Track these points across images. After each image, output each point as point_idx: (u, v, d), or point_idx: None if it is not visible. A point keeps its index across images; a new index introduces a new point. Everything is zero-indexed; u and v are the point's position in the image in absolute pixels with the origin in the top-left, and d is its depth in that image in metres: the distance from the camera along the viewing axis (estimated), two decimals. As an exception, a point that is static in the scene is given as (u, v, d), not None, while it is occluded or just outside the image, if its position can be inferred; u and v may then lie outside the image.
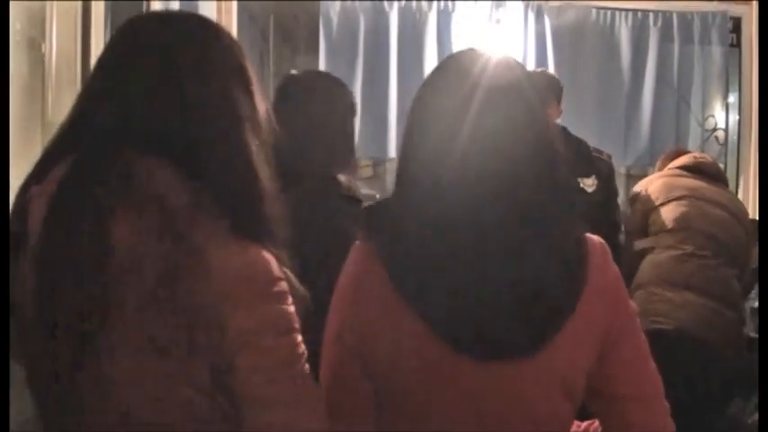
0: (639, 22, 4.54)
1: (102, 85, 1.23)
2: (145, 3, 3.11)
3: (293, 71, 2.25)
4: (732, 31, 4.68)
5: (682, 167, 3.27)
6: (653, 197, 3.16)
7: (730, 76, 4.74)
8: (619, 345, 1.34)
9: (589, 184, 3.10)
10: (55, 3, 1.76)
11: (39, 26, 1.68)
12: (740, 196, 4.64)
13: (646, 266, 3.03)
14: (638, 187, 3.30)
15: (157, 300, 1.13)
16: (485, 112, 1.28)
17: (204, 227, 1.15)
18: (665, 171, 3.33)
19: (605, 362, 1.33)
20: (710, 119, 4.71)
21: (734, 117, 4.86)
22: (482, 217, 1.25)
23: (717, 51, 4.63)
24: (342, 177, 2.07)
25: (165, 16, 1.33)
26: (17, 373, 1.26)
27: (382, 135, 4.32)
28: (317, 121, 2.04)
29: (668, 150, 3.68)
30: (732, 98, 4.88)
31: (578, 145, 3.25)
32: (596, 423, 1.45)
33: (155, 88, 1.19)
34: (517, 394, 1.29)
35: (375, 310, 1.29)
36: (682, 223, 3.02)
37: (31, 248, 1.16)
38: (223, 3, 4.16)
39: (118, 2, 2.36)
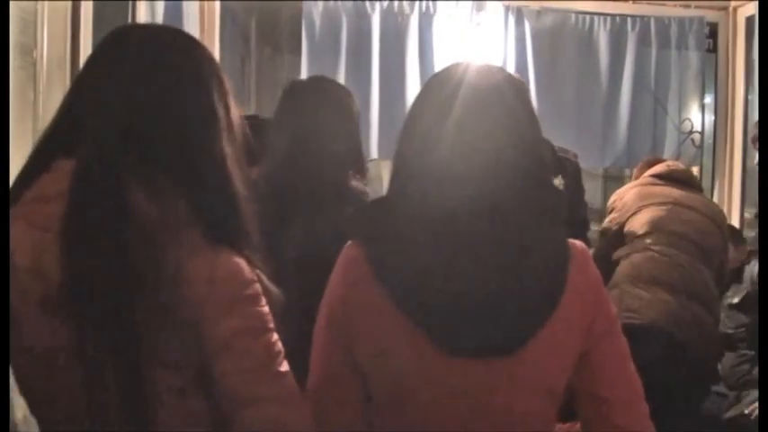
0: (618, 27, 4.59)
1: (85, 95, 1.26)
2: (130, 3, 3.12)
3: (298, 78, 2.29)
4: (708, 37, 4.74)
5: (655, 176, 3.33)
6: (627, 207, 3.23)
7: (706, 81, 4.81)
8: (599, 347, 1.37)
9: (556, 184, 3.09)
10: (46, 9, 1.78)
11: (30, 32, 1.71)
12: (716, 197, 4.72)
13: (621, 268, 3.09)
14: (614, 197, 3.37)
15: (135, 309, 1.16)
16: (466, 118, 1.33)
17: (177, 235, 1.19)
18: (640, 180, 3.40)
19: (586, 363, 1.36)
20: (687, 122, 4.77)
21: (710, 120, 4.93)
22: (463, 219, 1.29)
23: (693, 56, 4.69)
24: (355, 184, 2.09)
25: (148, 29, 1.38)
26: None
27: (365, 135, 4.33)
28: (330, 129, 2.07)
29: (644, 159, 3.75)
30: (708, 101, 4.94)
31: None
32: (578, 425, 1.47)
33: (135, 98, 1.23)
34: (497, 392, 1.31)
35: (361, 307, 1.33)
36: (654, 226, 3.09)
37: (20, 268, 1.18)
38: (206, 3, 4.17)
39: (104, 2, 2.38)
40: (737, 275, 3.75)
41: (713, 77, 4.82)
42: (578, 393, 1.39)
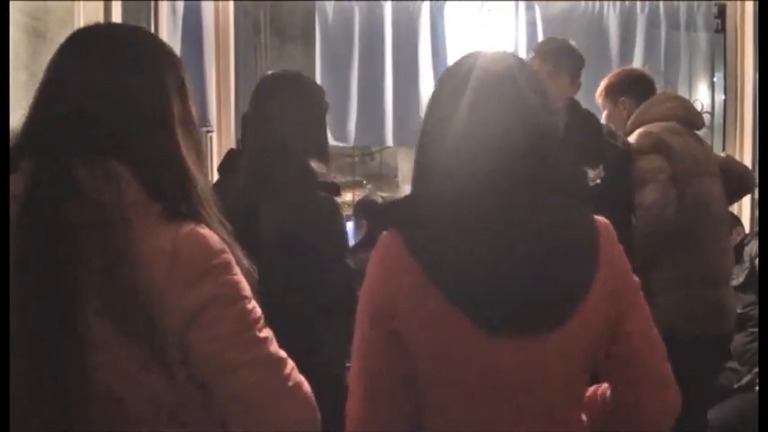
0: (627, 10, 4.64)
1: (51, 91, 1.29)
2: (152, 2, 3.18)
3: (271, 71, 2.45)
4: (717, 17, 4.78)
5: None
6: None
7: (715, 61, 4.85)
8: (628, 314, 1.43)
9: (593, 176, 2.81)
10: (82, 10, 1.86)
11: (68, 32, 1.78)
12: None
13: None
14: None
15: (101, 288, 1.19)
16: (480, 103, 1.38)
17: (131, 215, 1.22)
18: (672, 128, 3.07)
19: (616, 331, 1.41)
20: (697, 102, 4.80)
21: (719, 100, 4.96)
22: (495, 202, 1.34)
23: (702, 37, 4.74)
24: (316, 165, 2.23)
25: (113, 27, 1.41)
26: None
27: (379, 123, 4.41)
28: (290, 118, 2.23)
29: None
30: (717, 82, 4.97)
31: (587, 124, 2.98)
32: (604, 386, 1.52)
33: (98, 90, 1.27)
34: (539, 369, 1.36)
35: (408, 295, 1.36)
36: None
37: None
38: (220, 2, 4.24)
39: (128, 1, 2.45)
40: (738, 256, 3.79)
41: (722, 58, 4.85)
42: (608, 358, 1.44)
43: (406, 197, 1.48)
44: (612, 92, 3.27)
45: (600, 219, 1.44)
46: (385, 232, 1.44)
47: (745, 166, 3.63)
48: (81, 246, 1.19)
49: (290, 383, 1.31)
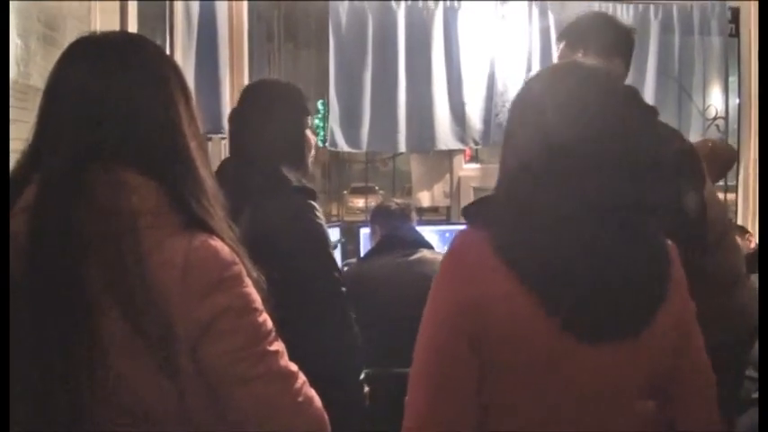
0: (640, 15, 4.62)
1: (57, 100, 1.29)
2: (168, 3, 3.20)
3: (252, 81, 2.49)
4: (731, 22, 4.76)
5: None
6: None
7: (730, 66, 4.83)
8: (686, 335, 1.47)
9: None
10: (98, 10, 1.87)
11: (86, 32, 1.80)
12: (740, 182, 4.75)
13: None
14: None
15: (115, 298, 1.19)
16: (577, 111, 1.38)
17: (143, 225, 1.21)
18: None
19: (678, 351, 1.45)
20: (711, 107, 4.79)
21: (734, 105, 4.94)
22: (586, 208, 1.35)
23: (716, 42, 4.72)
24: (290, 172, 2.21)
25: (114, 36, 1.41)
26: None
27: (392, 130, 4.41)
28: (272, 125, 2.24)
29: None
30: (732, 86, 4.95)
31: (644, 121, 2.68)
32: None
33: (106, 98, 1.26)
34: (617, 375, 1.39)
35: (491, 293, 1.35)
36: None
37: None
38: (234, 3, 4.26)
39: (142, 1, 2.46)
40: (753, 264, 3.77)
41: (736, 62, 4.84)
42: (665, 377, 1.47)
43: (492, 197, 1.45)
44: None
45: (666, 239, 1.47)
46: (463, 230, 1.44)
47: (731, 148, 3.55)
48: (94, 255, 1.19)
49: (301, 398, 1.32)
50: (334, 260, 2.27)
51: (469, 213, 1.45)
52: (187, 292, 1.22)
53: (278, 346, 1.32)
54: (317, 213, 2.21)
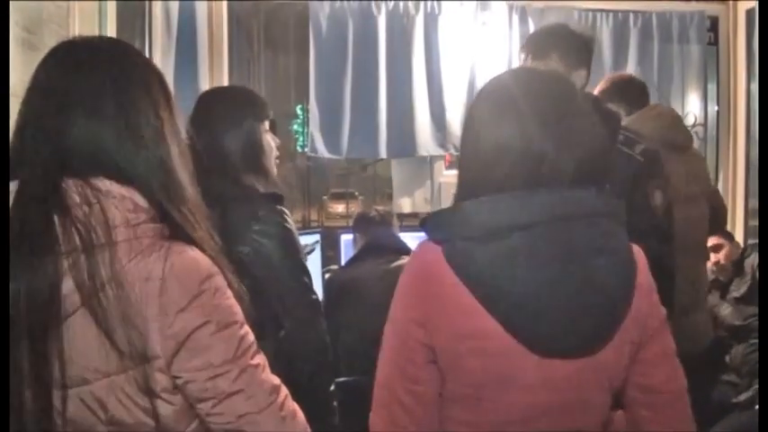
0: (620, 23, 4.65)
1: (36, 105, 1.26)
2: (147, 3, 3.17)
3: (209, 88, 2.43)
4: (709, 30, 4.80)
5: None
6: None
7: (708, 74, 4.86)
8: (652, 342, 1.44)
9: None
10: (77, 14, 1.85)
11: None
12: (720, 189, 4.78)
13: None
14: None
15: (91, 311, 1.17)
16: (528, 121, 1.36)
17: (126, 235, 1.19)
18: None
19: (640, 358, 1.43)
20: (690, 115, 4.82)
21: (712, 112, 4.98)
22: (547, 218, 1.32)
23: (695, 50, 4.76)
24: (254, 178, 2.20)
25: (97, 41, 1.38)
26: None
27: (372, 136, 4.40)
28: (225, 132, 2.20)
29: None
30: (710, 94, 4.98)
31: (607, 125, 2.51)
32: (620, 412, 1.52)
33: (86, 104, 1.24)
34: (575, 389, 1.37)
35: (446, 307, 1.34)
36: None
37: None
38: (214, 4, 4.23)
39: (121, 1, 2.43)
40: (739, 269, 3.80)
41: (715, 70, 4.87)
42: (629, 385, 1.46)
43: (450, 209, 1.42)
44: (605, 99, 3.12)
45: (633, 245, 1.43)
46: (421, 244, 1.42)
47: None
48: (70, 270, 1.16)
49: (284, 413, 1.31)
50: (304, 266, 2.24)
51: (426, 227, 1.42)
52: (165, 306, 1.19)
53: (259, 359, 1.30)
54: (287, 218, 2.18)
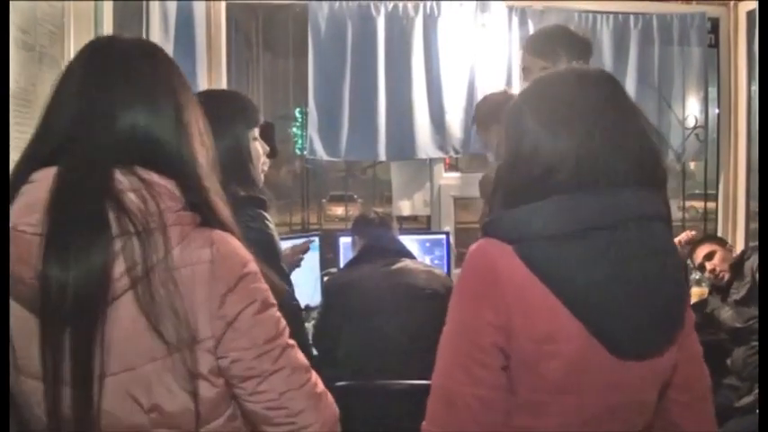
0: (620, 25, 4.63)
1: (65, 107, 1.29)
2: (144, 3, 3.15)
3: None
4: (710, 32, 4.79)
5: None
6: None
7: (709, 75, 4.84)
8: (687, 342, 1.47)
9: None
10: (72, 21, 1.84)
11: (59, 45, 1.76)
12: (721, 191, 4.77)
13: None
14: None
15: (141, 297, 1.20)
16: (582, 118, 1.36)
17: (168, 223, 1.23)
18: None
19: (677, 356, 1.45)
20: (691, 117, 4.80)
21: (713, 114, 4.96)
22: (617, 221, 1.33)
23: (696, 52, 4.73)
24: (238, 184, 2.15)
25: (125, 42, 1.40)
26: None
27: (372, 138, 4.37)
28: (213, 139, 2.16)
29: None
30: (711, 96, 4.97)
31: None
32: None
33: (145, 104, 1.29)
34: (639, 390, 1.40)
35: (526, 309, 1.33)
36: None
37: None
38: (212, 4, 4.22)
39: (118, 2, 2.42)
40: (738, 272, 3.79)
41: (716, 72, 4.86)
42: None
43: (519, 210, 1.39)
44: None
45: None
46: (485, 243, 1.40)
47: None
48: (121, 253, 1.18)
49: (318, 390, 1.36)
50: (284, 272, 2.22)
51: (493, 227, 1.40)
52: (214, 289, 1.25)
53: (292, 340, 1.35)
54: (267, 223, 2.16)
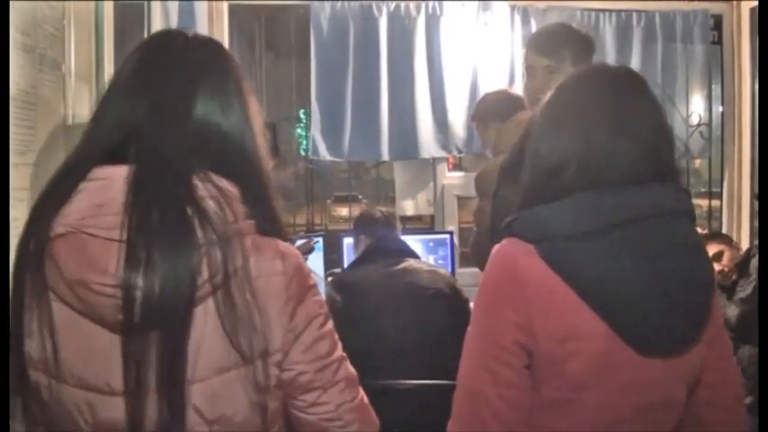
0: (623, 23, 4.61)
1: (131, 101, 1.23)
2: (146, 3, 3.15)
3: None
4: (713, 29, 4.77)
5: None
6: None
7: (712, 73, 4.82)
8: (716, 341, 1.45)
9: None
10: (72, 23, 1.83)
11: (59, 46, 1.76)
12: (725, 189, 4.75)
13: None
14: None
15: (220, 306, 1.16)
16: (603, 116, 1.37)
17: (242, 232, 1.20)
18: None
19: (705, 356, 1.43)
20: (694, 114, 4.79)
21: (717, 112, 4.95)
22: (639, 217, 1.32)
23: (699, 49, 4.72)
24: None
25: (190, 37, 1.34)
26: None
27: (374, 138, 4.37)
28: None
29: None
30: (715, 93, 4.95)
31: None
32: None
33: (219, 105, 1.25)
34: (664, 388, 1.38)
35: (549, 308, 1.32)
36: None
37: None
38: (215, 4, 4.21)
39: (119, 2, 2.42)
40: (744, 269, 3.77)
41: (719, 69, 4.84)
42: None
43: (539, 209, 1.39)
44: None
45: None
46: (507, 243, 1.40)
47: None
48: (203, 262, 1.15)
49: (365, 401, 1.35)
50: None
51: (516, 227, 1.40)
52: (288, 300, 1.23)
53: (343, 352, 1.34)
54: None
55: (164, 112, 1.23)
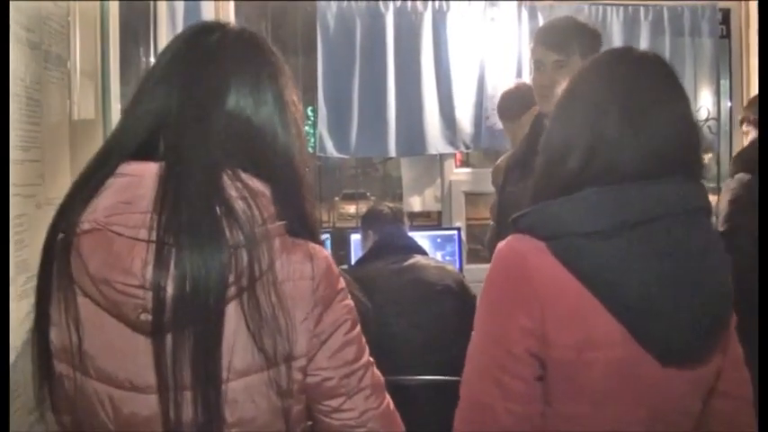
0: (631, 17, 4.59)
1: (167, 91, 1.21)
2: (151, 3, 3.15)
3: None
4: (721, 23, 4.74)
5: None
6: None
7: (721, 68, 4.80)
8: (730, 347, 1.39)
9: None
10: (78, 20, 1.83)
11: (64, 44, 1.76)
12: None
13: None
14: None
15: (247, 309, 1.14)
16: (625, 106, 1.29)
17: (272, 233, 1.17)
18: None
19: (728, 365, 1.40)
20: (702, 109, 4.77)
21: (725, 106, 4.92)
22: (660, 215, 1.24)
23: (707, 43, 4.70)
24: None
25: (225, 30, 1.31)
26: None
27: (381, 135, 4.36)
28: None
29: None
30: (723, 88, 4.93)
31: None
32: None
33: (223, 101, 1.20)
34: (681, 397, 1.31)
35: (563, 312, 1.24)
36: None
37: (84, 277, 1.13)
38: (221, 4, 4.20)
39: (125, 1, 2.41)
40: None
41: (728, 64, 4.82)
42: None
43: (551, 204, 1.30)
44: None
45: None
46: (515, 240, 1.31)
47: None
48: (231, 263, 1.12)
49: (391, 408, 1.31)
50: None
51: (525, 222, 1.31)
52: (315, 305, 1.20)
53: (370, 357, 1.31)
54: None
55: (193, 106, 1.20)
